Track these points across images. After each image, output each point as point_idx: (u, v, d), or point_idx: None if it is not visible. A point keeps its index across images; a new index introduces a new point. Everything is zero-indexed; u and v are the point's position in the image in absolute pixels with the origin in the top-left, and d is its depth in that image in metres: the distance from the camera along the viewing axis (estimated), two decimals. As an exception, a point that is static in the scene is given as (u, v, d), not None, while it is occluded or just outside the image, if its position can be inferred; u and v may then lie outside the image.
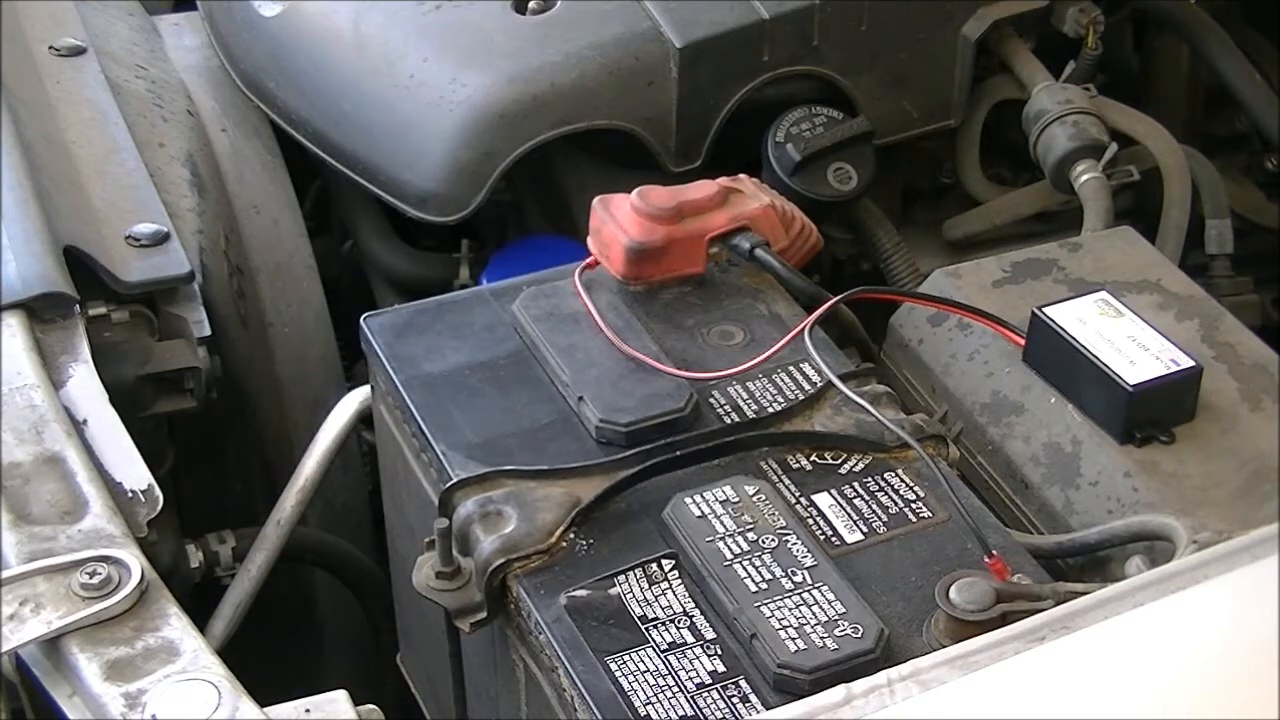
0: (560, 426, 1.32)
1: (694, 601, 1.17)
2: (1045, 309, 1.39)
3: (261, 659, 1.33)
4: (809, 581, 1.16)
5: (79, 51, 1.84)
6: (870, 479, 1.26)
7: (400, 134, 1.76)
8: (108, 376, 1.42)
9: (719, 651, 1.14)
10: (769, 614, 1.14)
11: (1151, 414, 1.34)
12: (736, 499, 1.22)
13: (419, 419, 1.33)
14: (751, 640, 1.13)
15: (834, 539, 1.22)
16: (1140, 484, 1.31)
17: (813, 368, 1.34)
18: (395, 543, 1.55)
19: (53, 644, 1.16)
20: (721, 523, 1.21)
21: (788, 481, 1.26)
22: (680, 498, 1.22)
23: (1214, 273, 1.86)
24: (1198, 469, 1.32)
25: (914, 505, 1.24)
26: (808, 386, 1.34)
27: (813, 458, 1.28)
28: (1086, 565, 1.30)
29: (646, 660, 1.13)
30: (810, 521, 1.23)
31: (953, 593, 1.13)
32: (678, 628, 1.15)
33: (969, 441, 1.42)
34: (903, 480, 1.26)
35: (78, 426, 1.35)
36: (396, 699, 1.64)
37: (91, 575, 1.18)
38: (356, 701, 1.10)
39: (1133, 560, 1.27)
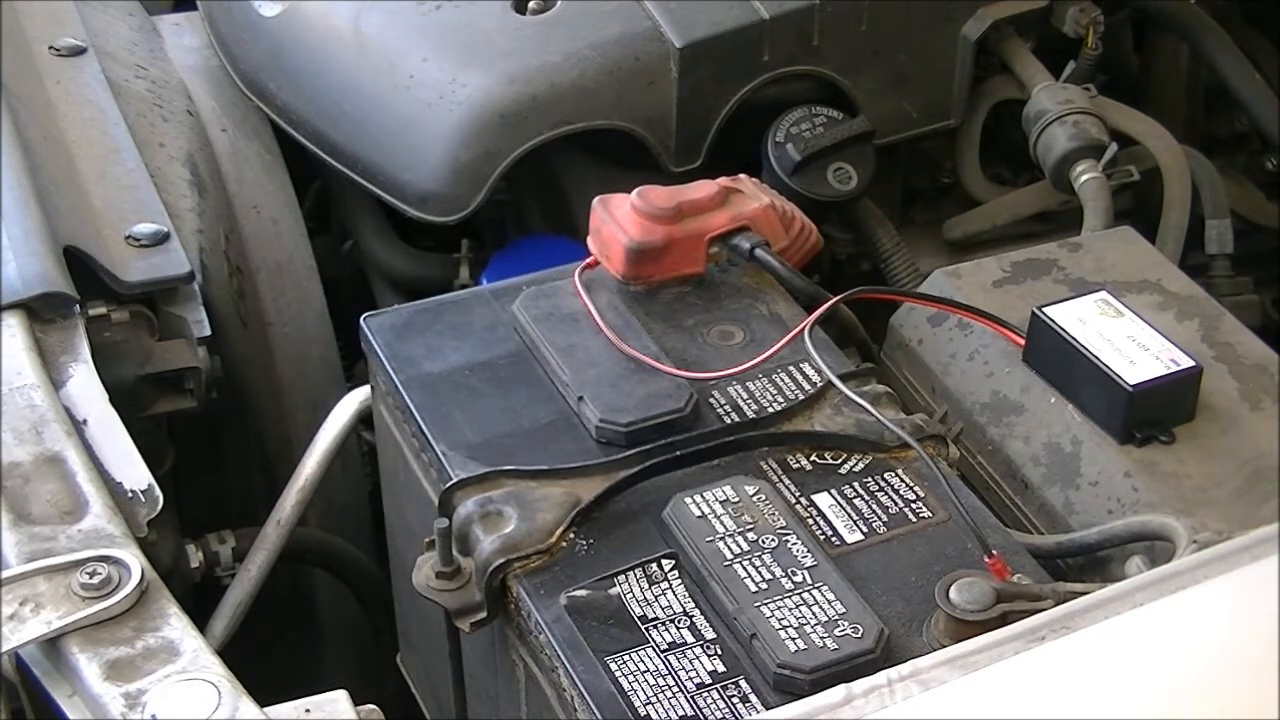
0: (560, 426, 1.32)
1: (694, 601, 1.17)
2: (1045, 309, 1.39)
3: (261, 659, 1.33)
4: (809, 581, 1.16)
5: (79, 51, 1.83)
6: (870, 479, 1.26)
7: (400, 134, 1.76)
8: (108, 376, 1.42)
9: (719, 651, 1.14)
10: (769, 614, 1.14)
11: (1151, 414, 1.34)
12: (736, 499, 1.22)
13: (419, 419, 1.33)
14: (751, 640, 1.13)
15: (834, 539, 1.22)
16: (1140, 484, 1.31)
17: (813, 368, 1.34)
18: (395, 543, 1.55)
19: (53, 644, 1.16)
20: (721, 523, 1.21)
21: (788, 481, 1.26)
22: (680, 498, 1.22)
23: (1214, 273, 1.86)
24: (1198, 469, 1.32)
25: (914, 505, 1.24)
26: (808, 386, 1.34)
27: (813, 458, 1.28)
28: (1086, 565, 1.30)
29: (646, 660, 1.13)
30: (810, 521, 1.23)
31: (953, 593, 1.13)
32: (678, 628, 1.15)
33: (969, 441, 1.42)
34: (903, 480, 1.26)
35: (78, 426, 1.35)
36: (396, 699, 1.64)
37: (91, 575, 1.18)
38: (356, 701, 1.10)
39: (1133, 560, 1.27)
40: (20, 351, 1.40)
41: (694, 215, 1.42)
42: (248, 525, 1.60)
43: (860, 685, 0.99)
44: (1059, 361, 1.38)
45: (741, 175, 1.51)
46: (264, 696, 1.11)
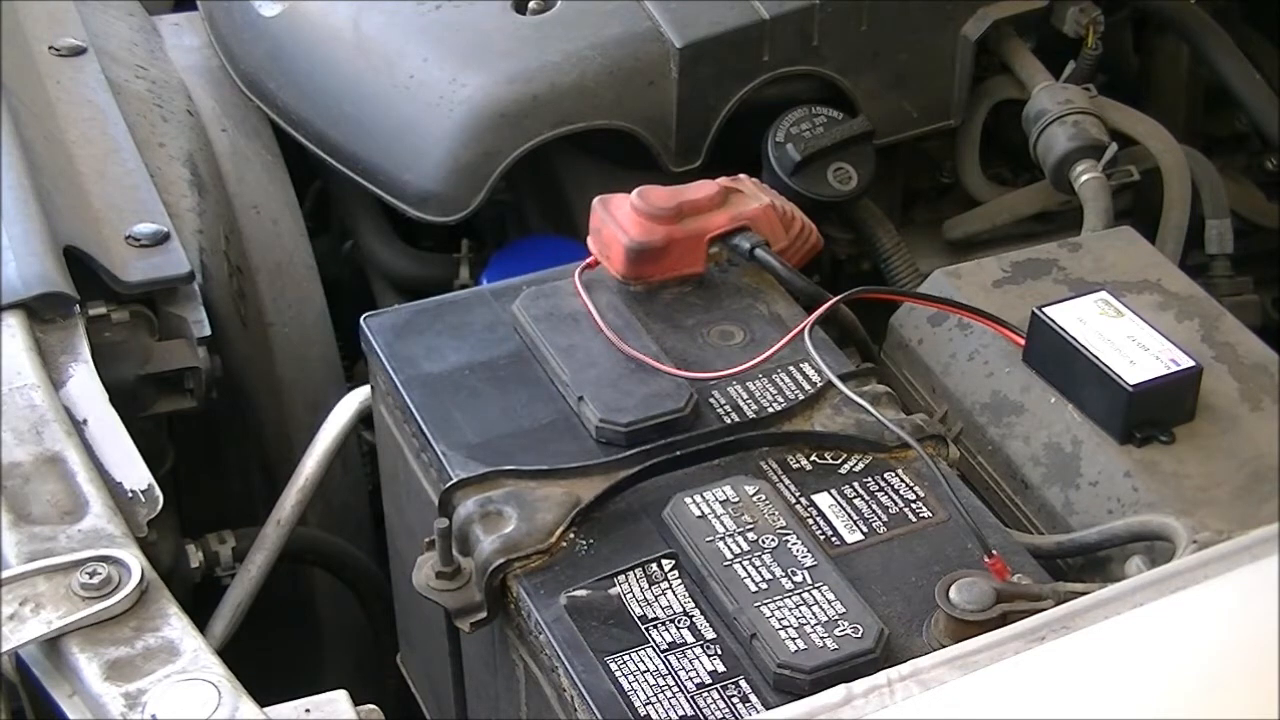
0: (560, 426, 1.32)
1: (694, 601, 1.17)
2: (1045, 309, 1.39)
3: (261, 659, 1.33)
4: (809, 581, 1.16)
5: (79, 51, 1.84)
6: (870, 479, 1.26)
7: (400, 134, 1.76)
8: (108, 376, 1.42)
9: (719, 651, 1.14)
10: (769, 614, 1.14)
11: (1151, 414, 1.34)
12: (736, 499, 1.22)
13: (419, 419, 1.33)
14: (751, 640, 1.13)
15: (834, 539, 1.22)
16: (1140, 484, 1.31)
17: (813, 368, 1.34)
18: (395, 543, 1.55)
19: (53, 644, 1.16)
20: (721, 523, 1.21)
21: (788, 481, 1.26)
22: (680, 498, 1.22)
23: (1214, 273, 1.86)
24: (1198, 469, 1.32)
25: (914, 505, 1.24)
26: (808, 386, 1.34)
27: (813, 458, 1.28)
28: (1086, 565, 1.30)
29: (646, 660, 1.13)
30: (810, 521, 1.23)
31: (953, 593, 1.13)
32: (678, 628, 1.15)
33: (969, 441, 1.42)
34: (903, 480, 1.26)
35: (78, 426, 1.35)
36: (396, 699, 1.64)
37: (91, 575, 1.18)
38: (356, 701, 1.10)
39: (1133, 560, 1.27)
40: (20, 351, 1.40)
41: (694, 215, 1.42)
42: (248, 525, 1.60)
43: (860, 685, 0.99)
44: (1059, 361, 1.38)
45: (741, 175, 1.51)
46: (264, 696, 1.11)
